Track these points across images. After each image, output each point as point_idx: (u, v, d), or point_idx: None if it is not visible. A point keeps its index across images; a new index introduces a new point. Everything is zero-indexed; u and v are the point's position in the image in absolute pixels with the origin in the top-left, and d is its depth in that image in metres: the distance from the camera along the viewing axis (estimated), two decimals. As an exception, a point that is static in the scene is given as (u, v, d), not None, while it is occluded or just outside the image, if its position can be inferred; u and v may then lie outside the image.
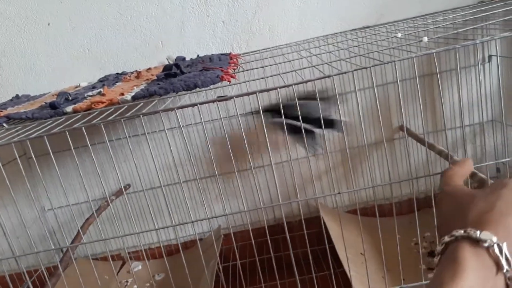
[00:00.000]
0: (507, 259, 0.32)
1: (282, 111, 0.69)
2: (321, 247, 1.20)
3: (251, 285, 1.14)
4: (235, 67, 0.96)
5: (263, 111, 0.85)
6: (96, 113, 0.76)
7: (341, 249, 0.96)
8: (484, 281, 0.31)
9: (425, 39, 0.71)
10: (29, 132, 0.73)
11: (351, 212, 1.30)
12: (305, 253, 1.10)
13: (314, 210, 1.29)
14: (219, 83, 0.80)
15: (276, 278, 0.98)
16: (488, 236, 0.32)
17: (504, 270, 0.32)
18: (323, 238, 1.25)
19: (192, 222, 0.71)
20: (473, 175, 0.83)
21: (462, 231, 0.34)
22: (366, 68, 0.62)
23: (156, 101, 0.76)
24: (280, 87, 0.63)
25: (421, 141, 1.12)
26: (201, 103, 0.64)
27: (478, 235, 0.33)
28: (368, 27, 1.18)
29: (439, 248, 0.35)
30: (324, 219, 1.09)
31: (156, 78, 0.92)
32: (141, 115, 0.65)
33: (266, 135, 0.67)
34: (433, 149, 1.00)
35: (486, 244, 0.32)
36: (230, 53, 1.17)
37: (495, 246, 0.32)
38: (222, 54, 1.15)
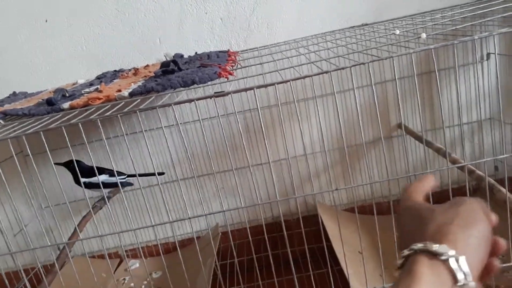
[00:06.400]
0: (464, 272, 0.32)
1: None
2: (318, 245, 1.20)
3: (248, 283, 1.13)
4: (233, 64, 0.95)
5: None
6: (93, 109, 0.76)
7: (339, 247, 0.96)
8: None
9: (424, 35, 0.71)
10: (26, 128, 0.73)
11: (349, 210, 1.30)
12: (303, 251, 1.10)
13: (312, 208, 1.29)
14: (217, 80, 0.79)
15: (273, 276, 0.98)
16: (445, 249, 0.33)
17: (461, 284, 0.32)
18: (320, 236, 1.26)
19: (190, 218, 0.71)
20: (471, 172, 0.83)
21: (421, 245, 0.34)
22: (364, 63, 0.62)
23: (153, 97, 0.76)
24: (278, 83, 0.63)
25: (419, 138, 1.11)
26: (198, 99, 0.64)
27: (435, 248, 0.33)
28: (366, 24, 1.18)
29: (399, 261, 0.36)
30: (322, 217, 1.09)
31: (154, 74, 0.91)
32: (137, 111, 0.65)
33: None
34: (431, 147, 1.00)
35: (443, 257, 0.32)
36: (229, 50, 1.17)
37: (452, 259, 0.32)
38: (220, 51, 1.14)
